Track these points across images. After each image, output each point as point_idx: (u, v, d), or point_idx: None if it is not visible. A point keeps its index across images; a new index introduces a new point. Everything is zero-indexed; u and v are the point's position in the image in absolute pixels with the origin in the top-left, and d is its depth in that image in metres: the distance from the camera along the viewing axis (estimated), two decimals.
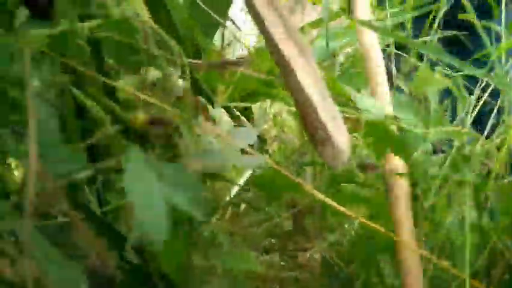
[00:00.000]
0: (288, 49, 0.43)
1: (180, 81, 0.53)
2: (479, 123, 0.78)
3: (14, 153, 0.44)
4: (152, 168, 0.37)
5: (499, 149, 0.67)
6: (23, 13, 0.42)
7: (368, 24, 0.75)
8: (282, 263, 0.73)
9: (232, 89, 0.71)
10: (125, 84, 0.41)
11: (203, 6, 0.71)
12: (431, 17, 0.81)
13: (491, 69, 0.74)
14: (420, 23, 0.89)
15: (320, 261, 0.68)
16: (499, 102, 0.76)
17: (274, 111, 1.13)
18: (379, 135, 0.69)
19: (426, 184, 0.64)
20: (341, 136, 0.42)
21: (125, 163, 0.36)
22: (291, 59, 0.42)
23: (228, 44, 1.18)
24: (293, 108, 0.94)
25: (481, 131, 0.76)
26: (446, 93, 0.77)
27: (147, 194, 0.35)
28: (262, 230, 0.66)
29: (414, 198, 0.65)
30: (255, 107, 0.97)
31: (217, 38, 0.91)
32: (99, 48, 0.45)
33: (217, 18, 0.84)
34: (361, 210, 0.73)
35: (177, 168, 0.40)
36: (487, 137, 0.73)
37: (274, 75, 0.83)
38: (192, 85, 0.59)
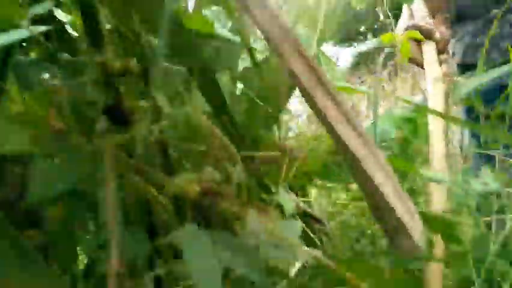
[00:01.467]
0: (354, 143, 0.42)
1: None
2: None
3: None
4: (207, 235, 0.39)
5: None
6: (103, 121, 0.47)
7: (440, 114, 0.76)
8: None
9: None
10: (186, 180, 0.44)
11: (260, 102, 0.76)
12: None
13: None
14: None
15: None
16: None
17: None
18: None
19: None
20: (416, 229, 0.42)
21: (183, 237, 0.38)
22: (357, 152, 0.42)
23: (285, 136, 1.22)
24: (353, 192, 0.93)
25: None
26: None
27: (203, 258, 0.37)
28: None
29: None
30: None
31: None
32: (165, 148, 0.49)
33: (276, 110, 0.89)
34: None
35: (232, 238, 0.42)
36: None
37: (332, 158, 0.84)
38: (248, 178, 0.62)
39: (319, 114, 0.42)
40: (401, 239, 0.41)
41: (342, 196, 1.12)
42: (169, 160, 0.53)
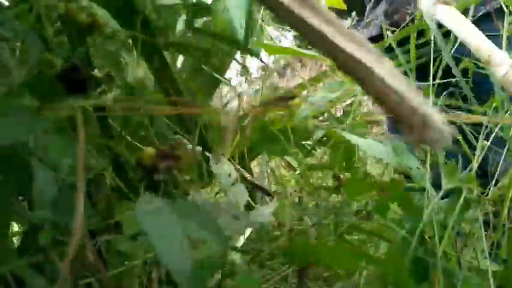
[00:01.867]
0: (362, 55, 0.40)
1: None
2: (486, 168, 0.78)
3: None
4: (168, 204, 0.37)
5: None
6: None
7: None
8: None
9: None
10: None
11: (205, 68, 0.74)
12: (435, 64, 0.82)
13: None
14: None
15: None
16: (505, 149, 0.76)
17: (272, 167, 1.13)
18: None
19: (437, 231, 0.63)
20: (435, 115, 0.40)
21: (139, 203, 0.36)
22: (367, 63, 0.40)
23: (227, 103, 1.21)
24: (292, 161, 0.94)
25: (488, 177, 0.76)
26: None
27: (166, 230, 0.35)
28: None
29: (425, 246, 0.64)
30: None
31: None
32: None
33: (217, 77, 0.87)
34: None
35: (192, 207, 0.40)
36: (496, 183, 0.73)
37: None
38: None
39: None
40: (426, 131, 0.39)
41: (283, 172, 1.13)
42: (109, 128, 0.49)
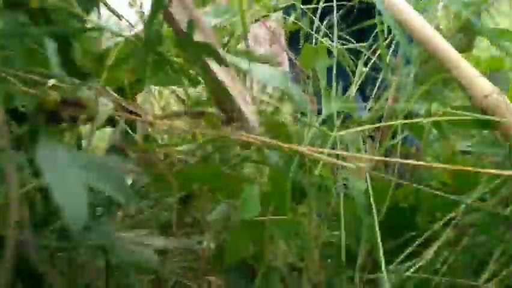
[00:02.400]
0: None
1: None
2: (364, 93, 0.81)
3: None
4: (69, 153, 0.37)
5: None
6: None
7: None
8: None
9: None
10: None
11: None
12: None
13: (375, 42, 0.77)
14: None
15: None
16: (381, 75, 0.79)
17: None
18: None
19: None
20: (251, 115, 0.50)
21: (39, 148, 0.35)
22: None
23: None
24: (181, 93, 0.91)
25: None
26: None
27: (65, 177, 0.34)
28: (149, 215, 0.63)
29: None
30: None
31: None
32: None
33: None
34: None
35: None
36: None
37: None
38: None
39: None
40: (241, 124, 0.49)
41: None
42: None
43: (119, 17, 0.81)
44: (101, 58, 0.74)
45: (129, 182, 0.65)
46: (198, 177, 0.62)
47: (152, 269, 0.65)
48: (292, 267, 0.70)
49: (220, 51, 0.50)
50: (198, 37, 0.47)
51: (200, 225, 0.76)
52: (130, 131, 0.72)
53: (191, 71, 0.91)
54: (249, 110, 0.50)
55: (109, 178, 0.37)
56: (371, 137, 0.74)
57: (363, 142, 0.75)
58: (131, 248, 0.53)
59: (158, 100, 1.09)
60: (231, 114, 0.49)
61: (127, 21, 0.82)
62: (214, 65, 0.48)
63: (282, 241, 0.70)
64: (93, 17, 0.86)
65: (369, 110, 0.78)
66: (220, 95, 0.49)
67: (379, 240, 0.53)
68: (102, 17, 0.85)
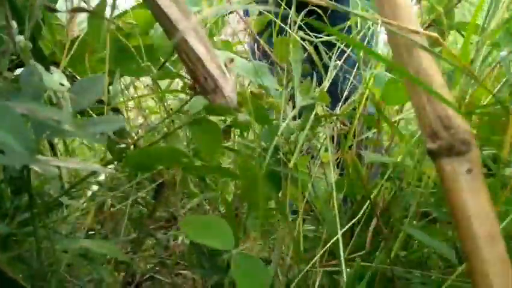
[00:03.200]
0: (173, 12, 0.46)
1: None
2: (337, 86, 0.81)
3: None
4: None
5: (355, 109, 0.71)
6: None
7: None
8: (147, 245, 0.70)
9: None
10: None
11: None
12: None
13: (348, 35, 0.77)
14: None
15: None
16: (355, 68, 0.80)
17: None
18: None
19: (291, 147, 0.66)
20: (228, 84, 0.48)
21: None
22: (176, 20, 0.46)
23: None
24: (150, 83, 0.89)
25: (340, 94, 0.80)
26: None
27: None
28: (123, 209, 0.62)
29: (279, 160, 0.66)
30: None
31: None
32: None
33: None
34: None
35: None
36: (346, 100, 0.77)
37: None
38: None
39: None
40: (217, 95, 0.48)
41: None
42: None
43: (88, 5, 0.79)
44: (70, 46, 0.72)
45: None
46: (158, 158, 0.58)
47: (123, 263, 0.64)
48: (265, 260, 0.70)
49: (206, 38, 0.48)
50: (185, 28, 0.46)
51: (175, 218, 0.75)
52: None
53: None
54: (225, 80, 0.48)
55: (13, 130, 0.30)
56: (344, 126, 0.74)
57: (338, 136, 0.75)
58: None
59: (132, 94, 1.07)
60: (204, 83, 0.48)
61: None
62: (187, 35, 0.48)
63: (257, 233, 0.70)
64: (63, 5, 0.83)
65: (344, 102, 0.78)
66: (192, 62, 0.47)
67: (339, 232, 0.53)
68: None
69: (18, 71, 0.71)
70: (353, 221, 0.59)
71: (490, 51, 0.51)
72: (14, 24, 0.44)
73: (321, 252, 0.56)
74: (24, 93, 0.39)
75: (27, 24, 0.66)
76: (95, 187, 0.73)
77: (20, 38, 0.46)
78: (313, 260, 0.55)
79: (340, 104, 0.78)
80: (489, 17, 0.50)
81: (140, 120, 1.06)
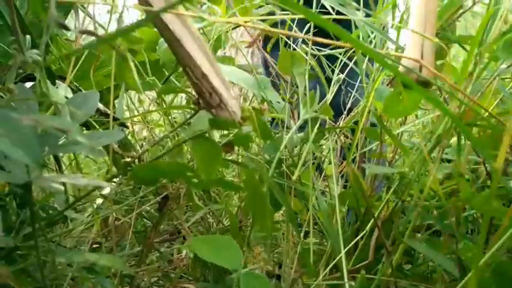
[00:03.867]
0: (176, 26, 0.47)
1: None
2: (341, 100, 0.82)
3: None
4: None
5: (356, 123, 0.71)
6: None
7: None
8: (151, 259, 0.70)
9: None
10: None
11: None
12: None
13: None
14: None
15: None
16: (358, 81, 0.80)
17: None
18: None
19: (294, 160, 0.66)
20: (231, 99, 0.49)
21: None
22: (181, 35, 0.47)
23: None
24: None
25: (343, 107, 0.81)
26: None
27: None
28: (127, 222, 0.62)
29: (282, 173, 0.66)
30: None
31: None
32: None
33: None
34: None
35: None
36: (349, 112, 0.77)
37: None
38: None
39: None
40: (221, 110, 0.49)
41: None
42: None
43: (95, 21, 0.81)
44: (76, 61, 0.73)
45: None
46: (163, 172, 0.58)
47: (128, 276, 0.64)
48: (271, 274, 0.70)
49: (211, 53, 0.49)
50: (189, 43, 0.47)
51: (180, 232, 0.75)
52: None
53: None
54: (229, 95, 0.48)
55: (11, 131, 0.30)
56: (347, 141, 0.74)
57: (341, 148, 0.75)
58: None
59: (138, 106, 1.09)
60: (209, 98, 0.48)
61: (103, 27, 0.82)
62: (192, 50, 0.48)
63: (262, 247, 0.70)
64: (71, 22, 0.85)
65: (347, 115, 0.78)
66: (197, 78, 0.47)
67: (342, 244, 0.53)
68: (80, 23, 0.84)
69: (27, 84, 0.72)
70: (356, 238, 0.59)
71: (487, 64, 0.51)
72: (27, 38, 0.45)
73: (326, 269, 0.56)
74: (20, 106, 0.39)
75: (41, 38, 0.67)
76: (99, 200, 0.74)
77: (32, 53, 0.47)
78: (319, 279, 0.55)
79: (343, 116, 0.78)
80: (487, 30, 0.50)
81: (145, 133, 1.07)
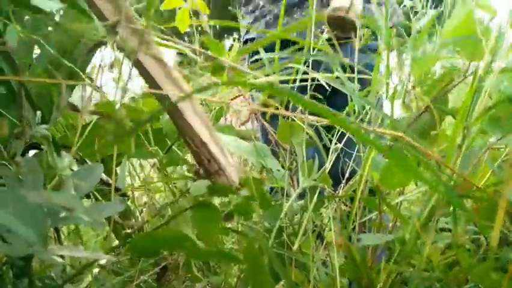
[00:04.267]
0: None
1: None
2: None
3: None
4: None
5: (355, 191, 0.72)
6: None
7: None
8: None
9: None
10: None
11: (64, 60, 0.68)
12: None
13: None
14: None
15: None
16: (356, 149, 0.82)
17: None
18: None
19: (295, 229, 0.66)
20: (229, 166, 0.50)
21: None
22: (182, 108, 0.48)
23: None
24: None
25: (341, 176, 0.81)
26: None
27: None
28: None
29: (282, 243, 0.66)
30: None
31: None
32: None
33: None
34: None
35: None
36: (347, 181, 0.78)
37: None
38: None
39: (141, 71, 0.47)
40: (220, 177, 0.50)
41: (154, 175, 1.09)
42: None
43: (101, 92, 0.84)
44: (82, 132, 0.75)
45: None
46: (162, 243, 0.58)
47: None
48: None
49: (210, 124, 0.51)
50: (191, 115, 0.49)
51: None
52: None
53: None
54: (227, 161, 0.50)
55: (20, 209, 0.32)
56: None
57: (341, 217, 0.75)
58: None
59: (139, 172, 1.10)
60: (207, 164, 0.49)
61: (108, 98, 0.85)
62: (191, 119, 0.49)
63: None
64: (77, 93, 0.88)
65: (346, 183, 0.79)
66: (197, 146, 0.48)
67: None
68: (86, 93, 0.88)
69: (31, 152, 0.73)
70: None
71: (473, 138, 0.53)
72: (37, 114, 0.47)
73: None
74: (26, 178, 0.41)
75: (46, 108, 0.69)
76: (97, 269, 0.73)
77: (41, 129, 0.49)
78: None
79: (342, 185, 0.79)
80: (473, 104, 0.52)
81: (145, 198, 1.08)
